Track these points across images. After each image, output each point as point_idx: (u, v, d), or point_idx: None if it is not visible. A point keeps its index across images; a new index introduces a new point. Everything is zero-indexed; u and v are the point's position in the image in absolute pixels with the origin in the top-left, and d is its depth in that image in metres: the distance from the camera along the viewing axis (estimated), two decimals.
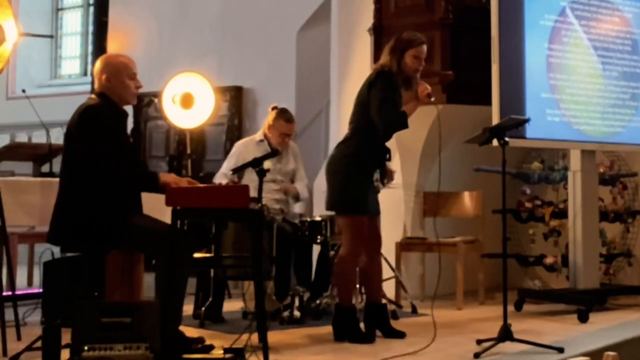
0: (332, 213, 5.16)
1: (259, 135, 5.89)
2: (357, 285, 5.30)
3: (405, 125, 4.80)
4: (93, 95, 4.28)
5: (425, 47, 4.89)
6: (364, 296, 5.21)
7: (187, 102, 6.32)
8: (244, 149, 5.79)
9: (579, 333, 4.99)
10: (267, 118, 5.87)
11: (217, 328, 5.13)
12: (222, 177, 5.65)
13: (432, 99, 4.80)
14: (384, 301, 5.13)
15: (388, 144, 4.91)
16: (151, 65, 8.24)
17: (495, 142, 4.68)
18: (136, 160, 4.45)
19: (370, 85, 4.82)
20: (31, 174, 6.23)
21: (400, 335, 4.83)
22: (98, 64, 4.29)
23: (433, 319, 4.56)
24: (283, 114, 5.81)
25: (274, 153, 4.83)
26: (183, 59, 8.61)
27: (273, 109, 5.84)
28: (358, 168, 4.81)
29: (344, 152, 4.86)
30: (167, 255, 3.97)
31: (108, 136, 4.08)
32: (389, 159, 4.95)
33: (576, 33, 5.97)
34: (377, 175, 4.95)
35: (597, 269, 6.11)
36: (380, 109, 4.72)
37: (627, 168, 6.78)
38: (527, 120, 4.96)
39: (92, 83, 10.06)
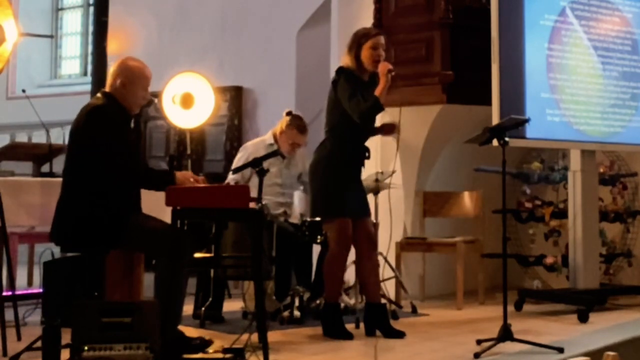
0: None
1: (269, 138, 5.79)
2: (357, 285, 5.32)
3: (379, 107, 4.75)
4: (99, 95, 4.27)
5: (382, 38, 4.86)
6: (364, 296, 5.21)
7: (187, 102, 6.30)
8: (254, 151, 5.61)
9: (579, 333, 5.00)
10: (280, 122, 5.76)
11: (217, 328, 5.12)
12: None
13: (393, 73, 4.73)
14: (383, 301, 5.13)
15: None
16: (151, 65, 8.07)
17: (495, 142, 4.68)
18: (140, 160, 4.45)
19: (334, 85, 4.85)
20: (31, 174, 6.24)
21: (400, 335, 4.83)
22: (117, 65, 4.27)
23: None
24: (297, 123, 5.68)
25: (274, 153, 4.80)
26: (183, 59, 8.59)
27: (288, 114, 5.71)
28: (334, 170, 4.83)
29: (320, 155, 4.90)
30: (167, 255, 3.97)
31: (115, 136, 4.09)
32: (368, 157, 4.95)
33: (576, 33, 5.96)
34: (377, 176, 4.93)
35: (597, 269, 6.10)
36: (350, 101, 4.73)
37: (627, 168, 6.78)
38: (527, 120, 4.96)
39: (92, 83, 10.09)
